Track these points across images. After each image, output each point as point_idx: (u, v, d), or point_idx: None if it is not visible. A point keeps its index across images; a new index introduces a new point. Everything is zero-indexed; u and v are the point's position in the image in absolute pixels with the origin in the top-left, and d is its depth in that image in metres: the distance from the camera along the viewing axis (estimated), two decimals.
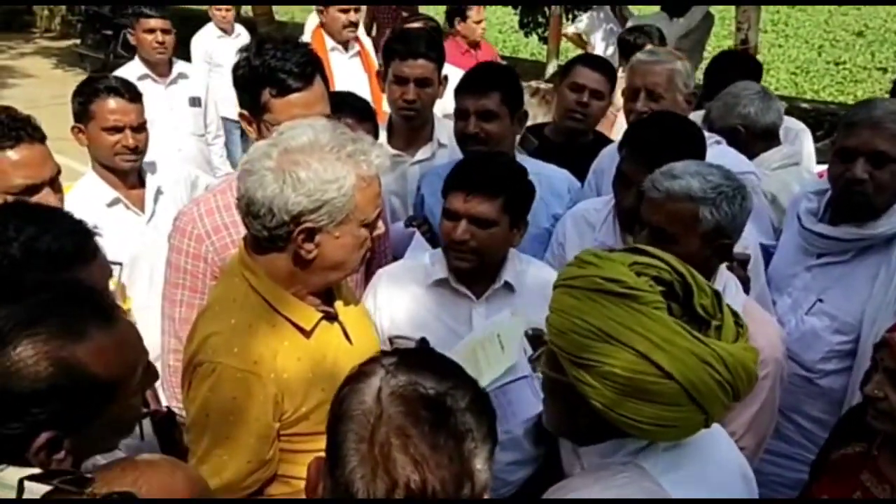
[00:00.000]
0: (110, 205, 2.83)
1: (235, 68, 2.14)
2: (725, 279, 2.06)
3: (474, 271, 2.15)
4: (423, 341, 1.95)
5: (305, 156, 1.60)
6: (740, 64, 3.75)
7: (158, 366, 2.33)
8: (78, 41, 13.27)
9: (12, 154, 2.09)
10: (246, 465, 1.65)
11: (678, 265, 1.38)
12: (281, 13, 12.61)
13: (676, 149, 2.19)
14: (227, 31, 6.27)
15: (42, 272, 1.54)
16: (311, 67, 2.09)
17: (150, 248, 2.84)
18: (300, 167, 1.58)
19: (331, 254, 1.67)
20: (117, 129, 2.78)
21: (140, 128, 2.85)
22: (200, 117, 4.54)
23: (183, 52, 4.58)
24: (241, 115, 2.16)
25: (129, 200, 2.88)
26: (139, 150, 2.85)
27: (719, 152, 2.76)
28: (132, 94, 2.87)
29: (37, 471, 1.14)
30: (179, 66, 4.49)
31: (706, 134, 2.83)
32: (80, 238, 1.63)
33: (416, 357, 1.19)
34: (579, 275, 1.36)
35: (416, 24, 4.73)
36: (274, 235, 1.63)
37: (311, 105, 2.07)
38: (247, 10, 11.49)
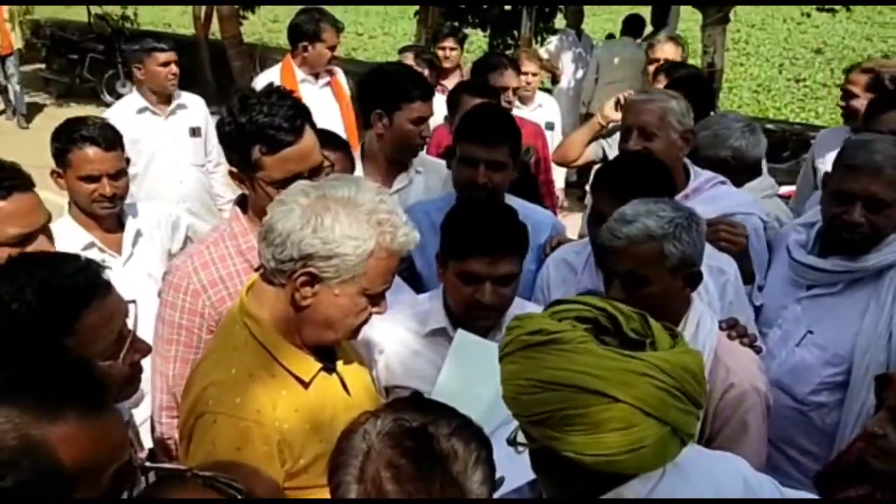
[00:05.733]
0: (84, 248, 2.78)
1: (220, 125, 2.07)
2: (700, 312, 2.08)
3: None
4: (416, 393, 1.94)
5: (338, 206, 1.61)
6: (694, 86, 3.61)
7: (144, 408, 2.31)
8: (43, 66, 13.07)
9: (6, 205, 2.05)
10: None
11: (598, 301, 1.41)
12: (248, 34, 12.54)
13: (646, 179, 2.24)
14: None
15: (60, 312, 1.52)
16: (301, 119, 2.03)
17: (127, 291, 2.80)
18: (328, 213, 1.60)
19: (325, 309, 1.66)
20: (94, 179, 2.77)
21: (118, 174, 2.83)
22: (200, 148, 4.52)
23: (182, 81, 4.54)
24: (231, 172, 2.09)
25: (105, 244, 2.87)
26: (117, 197, 2.84)
27: (724, 193, 2.77)
28: (109, 141, 2.81)
29: None
30: (178, 96, 4.48)
31: (710, 174, 2.84)
32: (91, 273, 1.62)
33: (402, 401, 1.29)
34: (508, 340, 1.39)
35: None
36: (279, 269, 1.63)
37: (306, 157, 2.02)
38: (214, 32, 11.42)
